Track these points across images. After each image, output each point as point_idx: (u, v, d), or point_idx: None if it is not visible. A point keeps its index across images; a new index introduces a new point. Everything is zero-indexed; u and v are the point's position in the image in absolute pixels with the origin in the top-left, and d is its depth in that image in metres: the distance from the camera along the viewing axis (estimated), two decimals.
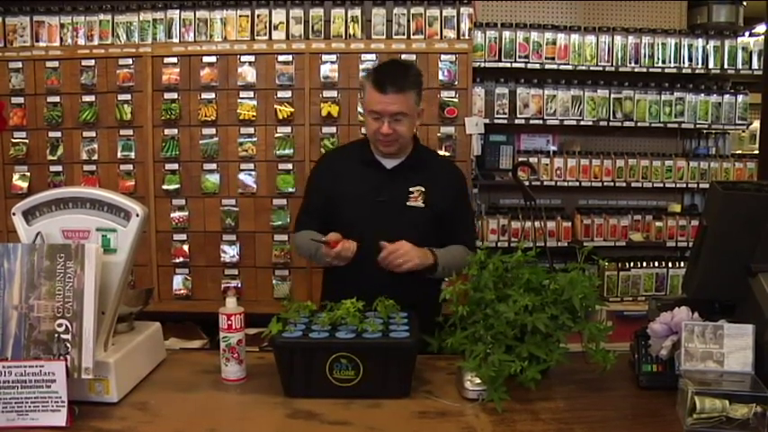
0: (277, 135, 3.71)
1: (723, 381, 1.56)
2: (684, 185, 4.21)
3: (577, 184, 4.12)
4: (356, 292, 1.87)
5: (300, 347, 1.72)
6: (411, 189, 2.28)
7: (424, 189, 2.29)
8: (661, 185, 4.18)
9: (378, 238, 2.17)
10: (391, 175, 2.31)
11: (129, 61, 3.72)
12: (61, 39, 3.79)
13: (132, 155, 3.76)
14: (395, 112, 2.19)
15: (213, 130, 3.72)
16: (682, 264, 4.13)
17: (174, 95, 3.71)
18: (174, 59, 3.70)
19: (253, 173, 3.74)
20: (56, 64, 3.75)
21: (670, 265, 4.16)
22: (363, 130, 3.66)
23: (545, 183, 4.10)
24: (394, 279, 2.15)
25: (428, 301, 2.06)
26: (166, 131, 3.74)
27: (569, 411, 1.66)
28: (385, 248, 2.15)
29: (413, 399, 1.73)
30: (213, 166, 3.74)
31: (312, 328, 1.79)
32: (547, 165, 4.11)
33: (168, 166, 3.75)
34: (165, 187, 3.76)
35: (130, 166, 3.77)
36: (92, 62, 3.73)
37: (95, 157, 3.76)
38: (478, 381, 1.70)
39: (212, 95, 3.71)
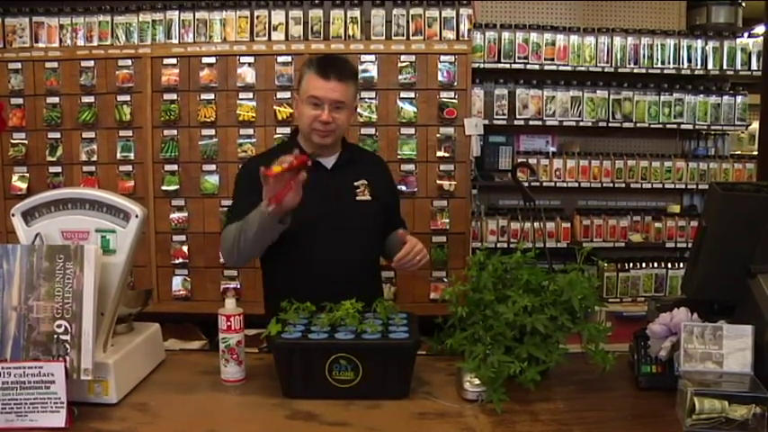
0: (276, 136, 3.70)
1: (722, 381, 1.56)
2: (684, 186, 4.22)
3: (577, 184, 4.13)
4: (309, 292, 1.89)
5: (299, 348, 1.72)
6: (356, 183, 2.28)
7: (367, 182, 2.30)
8: (660, 186, 4.19)
9: (332, 238, 2.18)
10: (333, 173, 2.28)
11: (129, 62, 3.71)
12: (60, 40, 3.79)
13: (131, 156, 3.76)
14: (336, 100, 2.16)
15: (212, 131, 3.72)
16: (681, 264, 4.15)
17: (174, 96, 3.71)
18: (174, 60, 3.70)
19: None
20: (55, 65, 3.75)
21: (669, 265, 4.17)
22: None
23: (544, 184, 4.11)
24: (348, 278, 2.14)
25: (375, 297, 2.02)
26: (166, 132, 3.73)
27: (569, 412, 1.67)
28: (405, 248, 2.11)
29: (412, 400, 1.73)
30: (213, 166, 3.73)
31: (311, 329, 1.79)
32: (546, 166, 4.12)
33: (167, 167, 3.75)
34: (164, 188, 3.75)
35: (130, 167, 3.77)
36: (91, 63, 3.73)
37: (95, 158, 3.76)
38: (478, 382, 1.70)
39: (212, 96, 3.71)
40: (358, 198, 2.28)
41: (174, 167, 3.75)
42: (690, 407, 1.50)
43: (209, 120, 3.71)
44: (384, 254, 2.40)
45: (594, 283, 1.78)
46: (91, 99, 3.74)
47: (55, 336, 1.60)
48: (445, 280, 3.69)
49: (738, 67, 4.12)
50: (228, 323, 1.82)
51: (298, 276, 2.20)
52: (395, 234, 2.26)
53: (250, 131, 3.71)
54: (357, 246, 2.25)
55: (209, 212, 3.76)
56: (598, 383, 1.82)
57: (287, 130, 3.69)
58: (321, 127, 2.17)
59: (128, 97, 3.73)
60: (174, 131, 3.73)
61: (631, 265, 4.15)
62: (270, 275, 2.38)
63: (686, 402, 1.51)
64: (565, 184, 4.12)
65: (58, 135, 3.77)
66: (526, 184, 3.60)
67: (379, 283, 2.47)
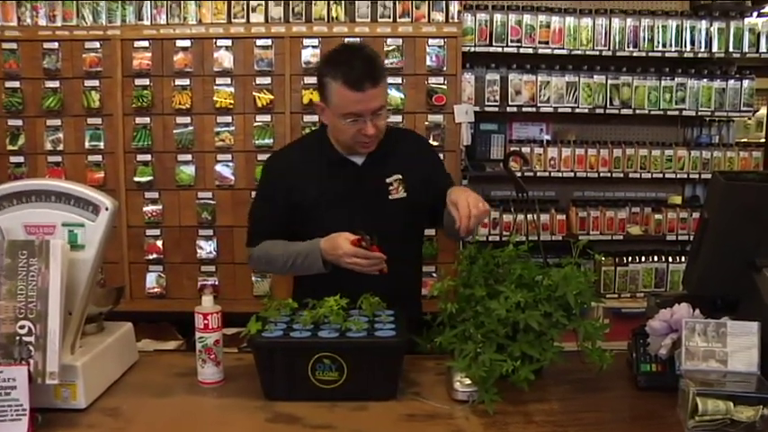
0: (256, 124, 3.70)
1: (727, 381, 1.56)
2: (685, 176, 4.23)
3: (572, 174, 4.13)
4: (333, 292, 1.87)
5: (281, 347, 1.72)
6: (389, 181, 2.23)
7: (401, 176, 2.24)
8: (661, 176, 4.20)
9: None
10: (365, 172, 2.22)
11: (97, 44, 3.68)
12: (19, 18, 3.72)
13: (101, 145, 3.73)
14: (377, 109, 2.09)
15: (188, 119, 3.71)
16: (682, 258, 4.17)
17: (146, 82, 3.69)
18: (146, 43, 3.68)
19: (230, 164, 3.73)
20: (14, 45, 3.69)
21: (670, 259, 4.19)
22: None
23: (538, 174, 4.11)
24: (382, 280, 2.07)
25: (412, 298, 2.06)
26: (138, 120, 3.71)
27: (564, 413, 1.67)
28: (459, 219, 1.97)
29: (400, 401, 1.73)
30: (188, 156, 3.72)
31: (293, 327, 1.79)
32: (540, 155, 4.12)
33: (140, 157, 3.72)
34: (136, 179, 3.73)
35: (99, 157, 3.74)
36: (55, 45, 3.68)
37: (61, 148, 3.73)
38: (468, 381, 1.70)
39: (187, 82, 3.69)
40: (391, 197, 2.22)
41: (148, 157, 3.73)
42: (692, 408, 1.50)
43: (184, 107, 3.69)
44: (449, 229, 2.23)
45: (591, 278, 1.79)
46: (56, 84, 3.70)
47: (17, 337, 1.58)
48: (434, 275, 3.69)
49: (746, 49, 4.11)
50: (206, 321, 1.81)
51: (328, 282, 2.10)
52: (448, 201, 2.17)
53: (228, 119, 3.70)
54: (390, 248, 2.08)
55: (185, 205, 3.75)
56: (595, 383, 1.83)
57: (267, 118, 3.69)
58: (366, 140, 2.13)
59: (96, 82, 3.69)
60: (147, 119, 3.71)
61: (630, 259, 4.18)
62: (299, 281, 2.34)
63: (688, 403, 1.51)
64: (560, 174, 4.13)
65: (19, 122, 3.72)
66: (519, 175, 3.63)
67: (418, 283, 2.42)
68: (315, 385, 1.71)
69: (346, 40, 3.64)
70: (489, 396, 1.66)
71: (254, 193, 3.68)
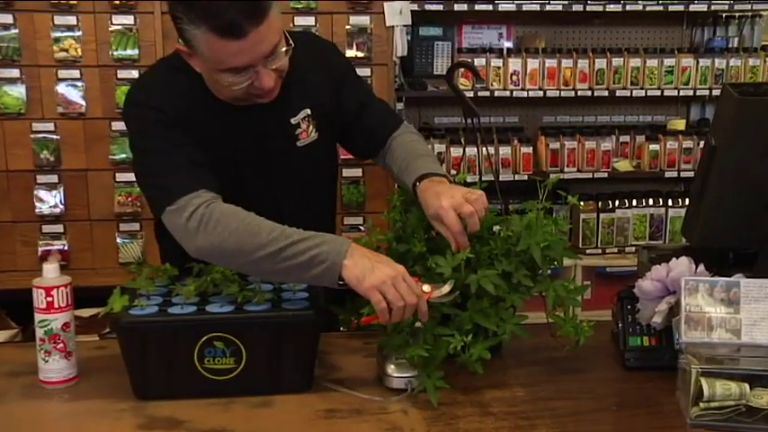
0: (113, 27, 3.62)
1: (741, 357, 1.58)
2: (691, 93, 4.30)
3: (541, 93, 4.19)
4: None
5: (156, 329, 1.70)
6: (294, 121, 2.15)
7: (310, 111, 2.16)
8: (658, 93, 4.27)
9: (267, 201, 2.03)
10: (264, 111, 2.09)
11: None
12: None
13: None
14: (269, 52, 1.90)
15: (9, 17, 3.59)
16: (686, 201, 4.21)
17: None
18: None
19: (79, 83, 3.66)
20: None
21: (670, 203, 4.29)
22: None
23: (496, 93, 4.15)
24: None
25: None
26: None
27: (530, 402, 1.70)
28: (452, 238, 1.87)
29: (317, 392, 1.74)
30: (14, 72, 3.63)
31: (173, 302, 1.77)
32: (499, 68, 4.16)
33: None
34: None
35: None
36: None
37: None
38: (406, 364, 1.72)
39: None
40: (300, 143, 2.16)
41: None
42: (696, 392, 1.52)
43: None
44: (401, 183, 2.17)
45: (564, 227, 1.82)
46: None
47: None
48: (361, 228, 3.75)
49: None
50: (49, 299, 1.77)
51: None
52: (398, 145, 2.17)
53: (71, 20, 3.60)
54: (299, 204, 2.13)
55: (13, 141, 3.67)
56: (569, 363, 1.86)
57: (129, 20, 3.60)
58: (262, 93, 1.98)
59: None
60: None
61: (617, 203, 4.27)
62: (177, 255, 2.07)
63: (690, 386, 1.53)
64: (524, 94, 4.17)
65: None
66: (470, 95, 3.64)
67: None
68: (203, 377, 1.70)
69: None
70: (433, 382, 1.67)
71: (115, 125, 3.67)
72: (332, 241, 1.76)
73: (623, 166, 4.28)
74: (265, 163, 2.12)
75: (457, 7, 4.04)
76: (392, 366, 1.74)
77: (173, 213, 1.85)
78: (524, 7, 4.07)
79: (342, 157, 3.60)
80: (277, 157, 2.13)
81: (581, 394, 1.74)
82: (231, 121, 2.04)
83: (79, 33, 3.61)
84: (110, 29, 3.61)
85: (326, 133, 2.20)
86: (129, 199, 3.73)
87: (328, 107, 2.19)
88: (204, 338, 1.69)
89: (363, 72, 3.62)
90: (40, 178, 3.70)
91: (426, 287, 1.70)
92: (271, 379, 1.73)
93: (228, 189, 1.94)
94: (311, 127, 2.16)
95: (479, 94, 4.04)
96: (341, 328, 2.12)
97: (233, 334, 1.70)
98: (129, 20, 3.61)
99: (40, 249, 3.70)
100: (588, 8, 4.12)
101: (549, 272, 1.80)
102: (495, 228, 1.82)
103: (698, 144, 4.26)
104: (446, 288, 1.72)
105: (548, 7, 4.08)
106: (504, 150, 4.15)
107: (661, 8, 4.16)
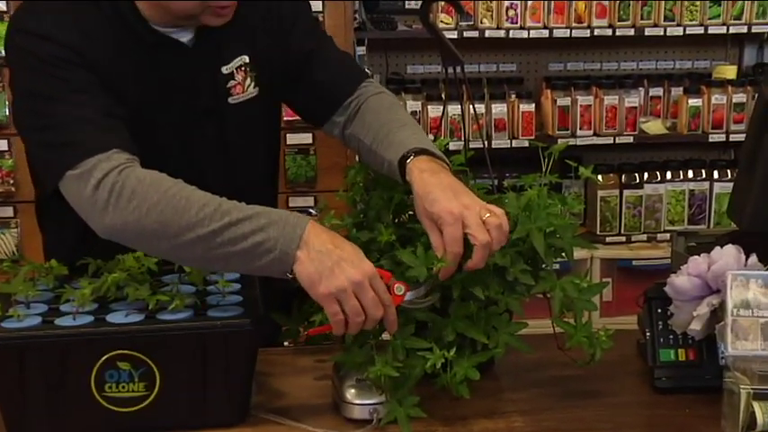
0: None
1: None
2: (745, 30, 4.14)
3: (546, 33, 4.02)
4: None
5: (38, 347, 1.57)
6: (226, 70, 2.04)
7: (247, 59, 2.07)
8: (701, 31, 4.08)
9: (192, 171, 1.92)
10: (193, 55, 2.02)
11: None
12: None
13: None
14: None
15: None
16: (736, 173, 4.11)
17: None
18: None
19: None
20: None
21: (715, 175, 4.17)
22: None
23: (487, 32, 3.99)
24: None
25: None
26: None
27: None
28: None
29: (253, 426, 1.65)
30: None
31: (61, 310, 1.64)
32: (490, 1, 3.94)
33: None
34: None
35: None
36: None
37: None
38: (370, 387, 1.64)
39: None
40: (233, 99, 2.05)
41: None
42: (746, 419, 1.46)
43: None
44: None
45: (574, 208, 1.71)
46: None
47: None
48: (312, 211, 3.65)
49: None
50: None
51: None
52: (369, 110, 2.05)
53: None
54: (232, 180, 2.02)
55: None
56: (582, 384, 1.77)
57: None
58: (222, 11, 1.90)
59: None
60: None
61: (646, 176, 4.14)
62: (68, 248, 2.02)
63: (740, 412, 1.46)
64: (524, 34, 4.01)
65: None
66: (453, 35, 3.44)
67: None
68: (103, 409, 1.58)
69: None
70: (405, 411, 1.59)
71: None
72: (282, 222, 1.62)
73: (654, 127, 4.17)
74: (187, 124, 2.03)
75: None
76: (352, 391, 1.66)
77: (75, 180, 1.71)
78: None
79: (286, 118, 3.46)
80: (202, 117, 2.05)
81: (597, 424, 1.65)
82: (145, 65, 1.93)
83: None
84: None
85: (268, 89, 2.11)
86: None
87: (271, 55, 2.10)
88: (104, 358, 1.59)
89: (312, 6, 3.47)
90: None
91: (400, 287, 1.61)
92: (192, 410, 1.63)
93: (139, 158, 1.79)
94: (249, 80, 2.09)
95: (465, 34, 3.91)
96: (285, 343, 2.07)
97: (142, 351, 1.60)
98: None
99: None
100: None
101: (555, 266, 1.70)
102: None
103: (753, 98, 4.08)
104: (423, 289, 1.64)
105: None
106: (498, 108, 4.01)
107: None
